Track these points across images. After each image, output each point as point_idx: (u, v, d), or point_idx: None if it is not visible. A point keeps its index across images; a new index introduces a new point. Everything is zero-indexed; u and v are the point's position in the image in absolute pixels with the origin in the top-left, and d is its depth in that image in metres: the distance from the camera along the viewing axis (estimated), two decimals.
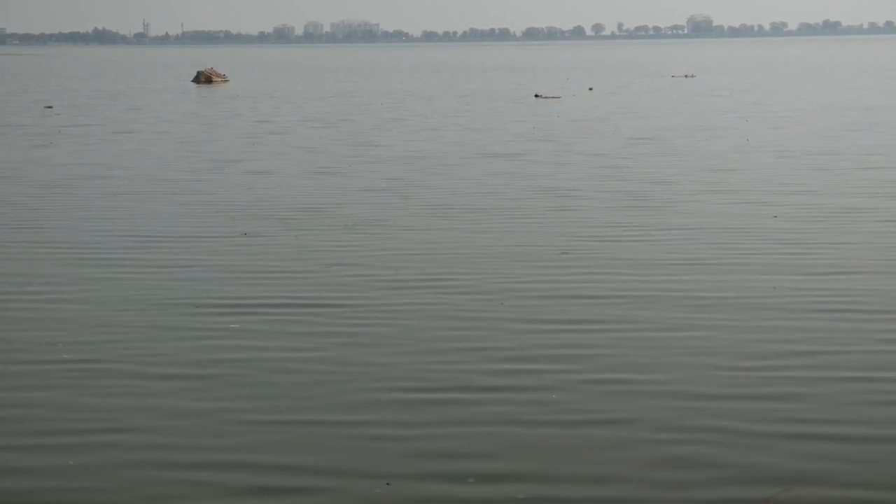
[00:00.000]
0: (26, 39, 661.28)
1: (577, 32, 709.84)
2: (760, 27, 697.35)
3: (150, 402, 11.48)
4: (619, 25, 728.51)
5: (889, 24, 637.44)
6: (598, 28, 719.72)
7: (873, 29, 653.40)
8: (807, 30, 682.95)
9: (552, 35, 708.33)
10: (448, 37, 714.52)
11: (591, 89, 79.57)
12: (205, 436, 10.52)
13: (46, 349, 13.37)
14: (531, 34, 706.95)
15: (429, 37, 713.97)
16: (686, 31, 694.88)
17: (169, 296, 15.91)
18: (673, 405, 11.16)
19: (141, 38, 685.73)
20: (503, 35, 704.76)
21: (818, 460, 9.78)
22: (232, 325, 14.39)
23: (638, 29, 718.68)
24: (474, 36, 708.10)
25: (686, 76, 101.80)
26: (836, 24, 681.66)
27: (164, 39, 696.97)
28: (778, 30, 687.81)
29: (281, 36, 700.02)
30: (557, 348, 13.11)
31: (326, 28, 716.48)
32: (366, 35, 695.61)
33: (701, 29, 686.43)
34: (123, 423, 10.86)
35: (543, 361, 12.59)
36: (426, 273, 17.28)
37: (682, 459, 9.85)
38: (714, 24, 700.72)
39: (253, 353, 13.10)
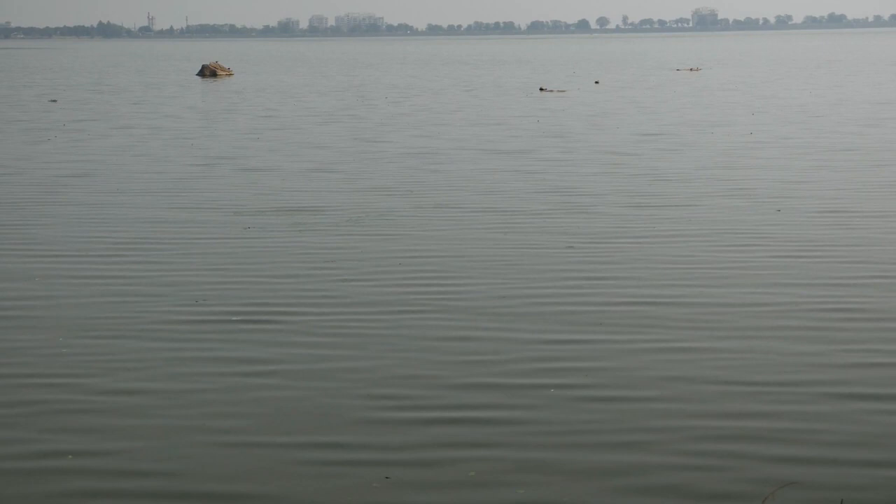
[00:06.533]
0: (31, 33, 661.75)
1: (582, 26, 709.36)
2: (766, 20, 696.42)
3: (129, 415, 11.29)
4: (624, 18, 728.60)
5: (894, 17, 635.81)
6: (602, 21, 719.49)
7: (879, 22, 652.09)
8: (812, 23, 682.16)
9: (557, 28, 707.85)
10: (453, 30, 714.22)
11: (597, 83, 79.39)
12: (176, 457, 10.11)
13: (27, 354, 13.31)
14: (536, 27, 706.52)
15: (433, 30, 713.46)
16: (691, 25, 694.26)
17: (164, 295, 15.76)
18: (676, 412, 11.00)
19: (146, 32, 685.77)
20: (508, 28, 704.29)
21: (819, 468, 9.70)
22: (234, 319, 14.37)
23: (643, 22, 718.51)
24: (479, 29, 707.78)
25: (691, 69, 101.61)
26: (842, 17, 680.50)
27: (169, 33, 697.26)
28: (783, 23, 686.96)
29: (285, 29, 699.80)
30: (560, 359, 12.93)
31: (331, 21, 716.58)
32: (370, 28, 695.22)
33: (706, 22, 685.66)
34: (102, 438, 10.68)
35: (544, 372, 12.42)
36: (427, 271, 17.10)
37: (685, 468, 9.74)
38: (719, 17, 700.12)
39: (247, 355, 12.91)
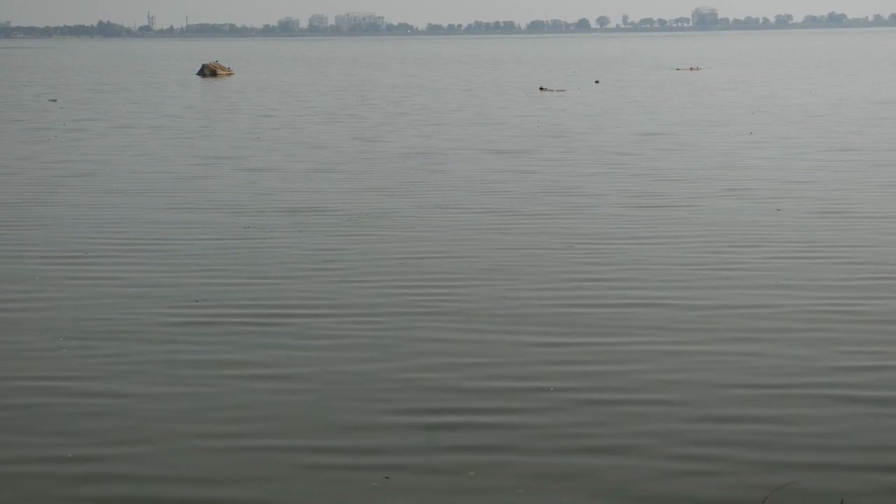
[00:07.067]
0: (31, 32, 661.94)
1: (582, 25, 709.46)
2: (766, 20, 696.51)
3: (128, 418, 11.23)
4: (624, 18, 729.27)
5: (894, 17, 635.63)
6: (602, 21, 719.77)
7: (879, 21, 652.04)
8: (812, 22, 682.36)
9: (557, 28, 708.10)
10: (453, 29, 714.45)
11: (597, 82, 79.36)
12: (176, 461, 10.09)
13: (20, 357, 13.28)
14: (536, 27, 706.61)
15: (433, 30, 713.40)
16: (691, 24, 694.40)
17: (163, 296, 15.72)
18: (677, 415, 10.96)
19: (146, 32, 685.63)
20: (508, 28, 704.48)
21: (820, 472, 9.68)
22: (233, 320, 14.35)
23: (643, 21, 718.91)
24: (479, 29, 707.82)
25: (691, 69, 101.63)
26: (842, 16, 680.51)
27: (169, 32, 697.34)
28: (783, 22, 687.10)
29: (286, 29, 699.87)
30: (560, 361, 12.88)
31: (331, 21, 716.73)
32: (370, 28, 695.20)
33: (706, 21, 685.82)
34: (98, 441, 10.66)
35: (544, 375, 12.38)
36: (427, 272, 17.05)
37: (686, 471, 9.71)
38: (719, 16, 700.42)
39: (247, 357, 12.87)
